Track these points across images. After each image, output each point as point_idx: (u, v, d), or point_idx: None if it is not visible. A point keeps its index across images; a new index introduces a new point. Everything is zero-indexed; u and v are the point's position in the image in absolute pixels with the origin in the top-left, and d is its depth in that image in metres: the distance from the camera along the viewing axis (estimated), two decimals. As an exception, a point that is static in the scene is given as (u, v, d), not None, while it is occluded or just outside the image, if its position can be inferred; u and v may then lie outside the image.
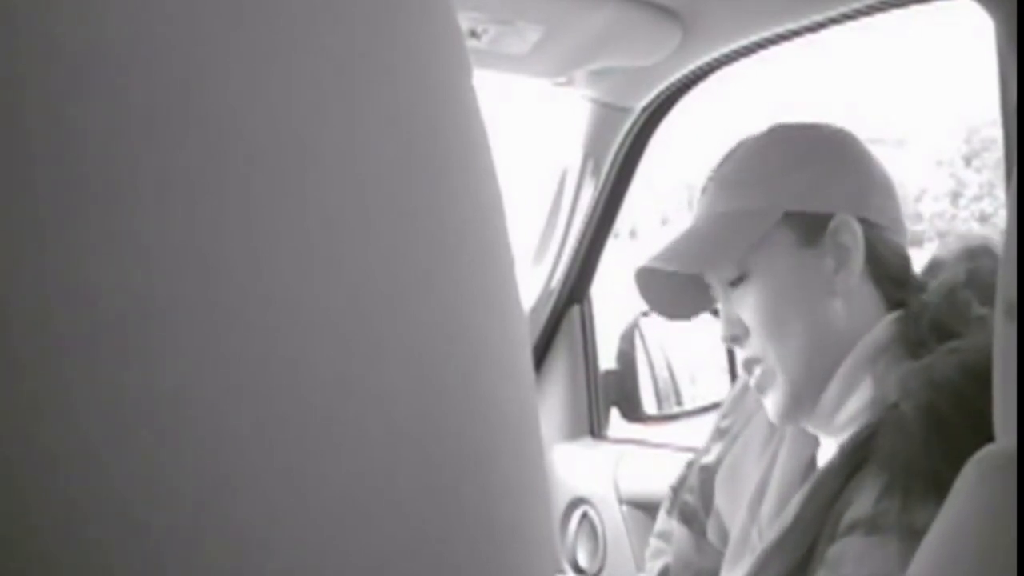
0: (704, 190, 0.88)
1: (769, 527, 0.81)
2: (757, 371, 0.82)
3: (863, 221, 0.80)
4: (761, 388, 0.82)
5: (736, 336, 0.83)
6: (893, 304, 0.81)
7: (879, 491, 0.68)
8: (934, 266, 0.81)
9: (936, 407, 0.68)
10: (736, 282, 0.82)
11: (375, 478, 0.14)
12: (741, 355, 0.84)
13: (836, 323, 0.79)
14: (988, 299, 0.74)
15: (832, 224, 0.80)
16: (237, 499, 0.12)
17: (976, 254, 0.79)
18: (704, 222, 0.85)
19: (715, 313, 1.44)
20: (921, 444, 0.67)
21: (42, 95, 0.12)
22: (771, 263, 0.80)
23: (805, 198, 0.81)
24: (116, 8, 0.12)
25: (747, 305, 0.81)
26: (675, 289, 0.90)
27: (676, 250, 0.85)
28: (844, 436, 0.77)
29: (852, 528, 0.68)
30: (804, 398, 0.80)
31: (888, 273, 0.81)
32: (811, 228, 0.80)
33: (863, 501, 0.69)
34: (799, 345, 0.79)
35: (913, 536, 0.57)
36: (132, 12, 0.12)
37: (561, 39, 1.10)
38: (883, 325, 0.79)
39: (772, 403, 0.82)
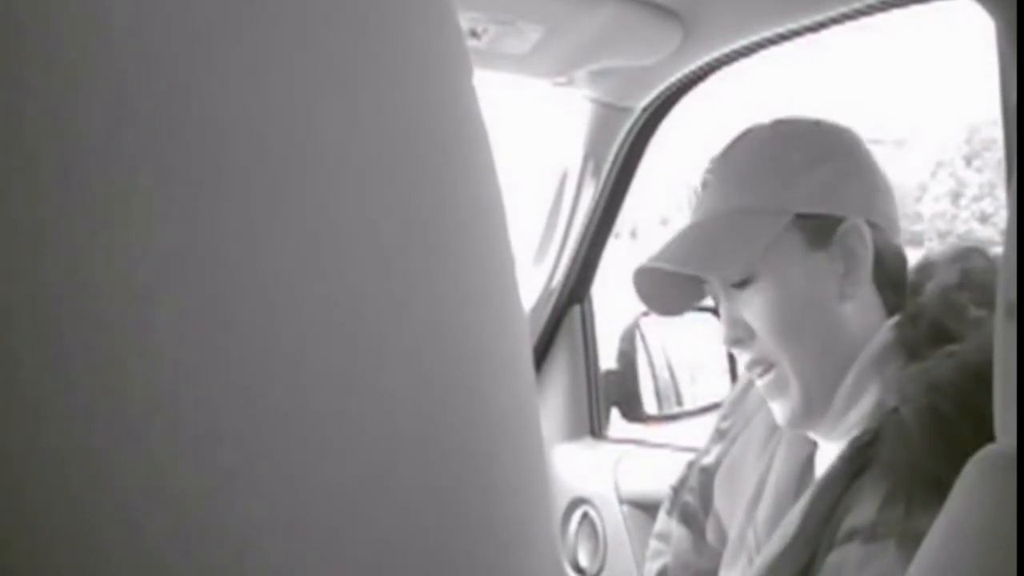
0: (705, 184, 0.85)
1: (765, 530, 0.81)
2: (766, 377, 0.80)
3: (870, 224, 0.79)
4: (771, 394, 0.81)
5: (740, 339, 0.81)
6: (892, 308, 0.80)
7: (882, 498, 0.68)
8: (925, 267, 0.80)
9: (937, 409, 0.67)
10: (741, 284, 0.80)
11: (375, 478, 0.14)
12: (744, 358, 0.82)
13: (846, 328, 0.78)
14: (983, 299, 0.74)
15: (842, 228, 0.78)
16: (237, 499, 0.12)
17: (966, 255, 0.78)
18: (711, 221, 0.83)
19: (716, 313, 1.44)
20: (923, 447, 0.67)
21: (42, 95, 0.12)
22: (780, 266, 0.78)
23: (818, 200, 0.79)
24: (116, 8, 0.12)
25: (755, 308, 0.79)
26: (669, 284, 0.87)
27: (682, 250, 0.82)
28: (844, 441, 0.77)
29: (851, 536, 0.68)
30: (816, 404, 0.79)
31: (890, 278, 0.81)
32: (820, 231, 0.79)
33: (864, 508, 0.69)
34: (813, 350, 0.78)
35: (914, 541, 0.57)
36: (132, 12, 0.12)
37: (561, 39, 1.10)
38: (885, 330, 0.78)
39: (783, 409, 0.80)
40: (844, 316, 0.79)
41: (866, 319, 0.79)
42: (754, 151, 0.84)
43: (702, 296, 0.88)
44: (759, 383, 0.82)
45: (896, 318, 0.79)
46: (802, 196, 0.79)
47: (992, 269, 0.74)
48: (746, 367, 0.83)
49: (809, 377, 0.78)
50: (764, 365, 0.80)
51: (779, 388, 0.80)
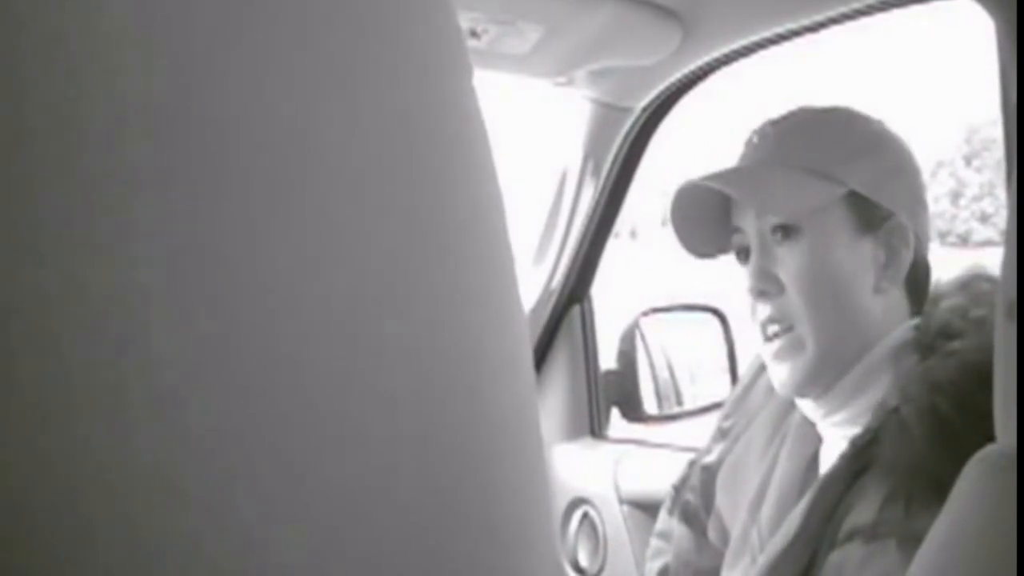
0: (763, 137, 0.85)
1: (769, 528, 0.81)
2: (781, 339, 0.80)
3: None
4: (782, 356, 0.81)
5: (766, 292, 0.81)
6: (914, 316, 0.82)
7: (883, 498, 0.68)
8: (935, 298, 0.81)
9: (938, 408, 0.68)
10: (782, 238, 0.80)
11: (375, 478, 0.14)
12: (762, 313, 0.82)
13: (872, 318, 0.79)
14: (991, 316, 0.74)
15: (891, 223, 0.80)
16: (237, 499, 0.12)
17: (971, 281, 0.79)
18: (763, 167, 0.83)
19: (717, 313, 1.44)
20: (924, 447, 0.67)
21: (43, 95, 0.12)
22: (827, 233, 0.79)
23: (873, 187, 0.80)
24: (116, 7, 0.12)
25: (791, 264, 0.80)
26: (698, 223, 0.87)
27: (743, 180, 0.82)
28: (846, 430, 0.77)
29: (852, 535, 0.68)
30: (823, 374, 0.79)
31: (917, 288, 0.82)
32: (869, 218, 0.80)
33: (865, 508, 0.69)
34: (836, 321, 0.79)
35: (914, 541, 0.57)
36: (132, 12, 0.12)
37: (561, 39, 1.10)
38: (905, 327, 0.79)
39: (789, 372, 0.80)
40: (873, 307, 0.80)
41: (890, 317, 0.80)
42: (819, 120, 0.84)
43: (726, 248, 0.88)
44: (769, 346, 0.81)
45: (916, 320, 0.80)
46: (859, 177, 0.80)
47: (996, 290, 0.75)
48: (762, 324, 0.82)
49: (826, 343, 0.78)
50: (781, 324, 0.80)
51: (793, 349, 0.80)
